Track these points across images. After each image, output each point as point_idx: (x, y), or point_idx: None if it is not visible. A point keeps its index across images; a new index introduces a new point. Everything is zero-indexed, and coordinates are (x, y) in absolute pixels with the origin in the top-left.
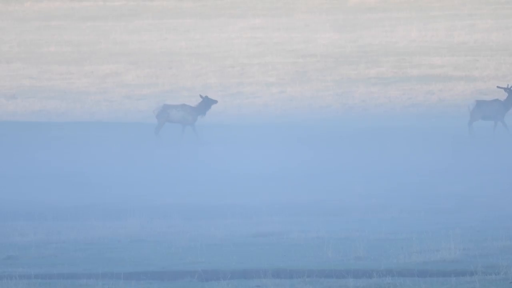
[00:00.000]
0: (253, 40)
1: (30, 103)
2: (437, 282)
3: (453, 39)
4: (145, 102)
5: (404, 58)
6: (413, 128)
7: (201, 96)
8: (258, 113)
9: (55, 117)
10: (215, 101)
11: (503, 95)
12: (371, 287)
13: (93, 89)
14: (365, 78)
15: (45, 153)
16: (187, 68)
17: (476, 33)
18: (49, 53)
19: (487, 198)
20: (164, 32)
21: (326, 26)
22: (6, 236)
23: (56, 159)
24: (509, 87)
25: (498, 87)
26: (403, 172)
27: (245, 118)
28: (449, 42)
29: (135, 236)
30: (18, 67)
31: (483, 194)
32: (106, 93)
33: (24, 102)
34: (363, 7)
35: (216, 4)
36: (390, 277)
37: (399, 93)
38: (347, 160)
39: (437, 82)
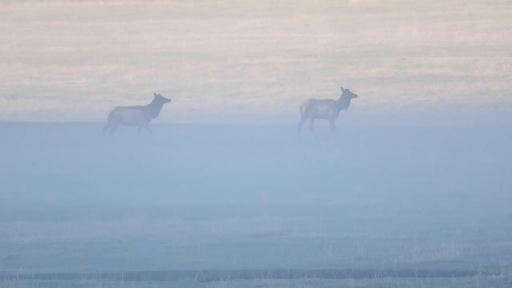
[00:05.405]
0: (253, 40)
1: (30, 103)
2: (437, 282)
3: (453, 39)
4: (145, 102)
5: (404, 58)
6: (413, 128)
7: (342, 89)
8: (258, 113)
9: (55, 117)
10: (355, 95)
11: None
12: (372, 287)
13: (93, 89)
14: (365, 78)
15: (45, 153)
16: (187, 68)
17: (476, 33)
18: (49, 53)
19: (487, 198)
20: (165, 32)
21: (326, 26)
22: (6, 236)
23: (56, 159)
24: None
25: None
26: (403, 172)
27: (245, 118)
28: (449, 42)
29: (135, 236)
30: (18, 67)
31: (483, 194)
32: (106, 93)
33: (24, 102)
34: (363, 7)
35: (216, 4)
36: (391, 277)
37: (399, 93)
38: (347, 160)
39: (437, 82)
